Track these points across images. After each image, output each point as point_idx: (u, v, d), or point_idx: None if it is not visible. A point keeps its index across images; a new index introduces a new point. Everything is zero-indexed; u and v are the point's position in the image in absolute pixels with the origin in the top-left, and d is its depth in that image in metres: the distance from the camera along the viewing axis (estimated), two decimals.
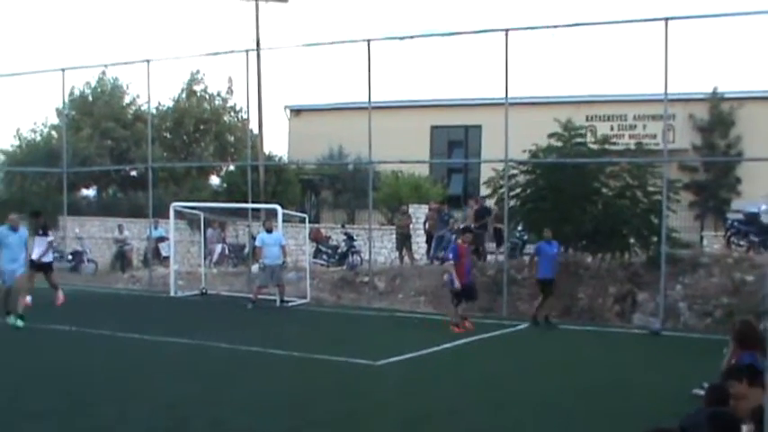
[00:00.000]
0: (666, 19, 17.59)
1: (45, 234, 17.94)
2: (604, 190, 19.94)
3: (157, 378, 11.40)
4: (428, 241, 24.65)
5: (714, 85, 29.91)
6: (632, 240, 19.78)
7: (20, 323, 15.32)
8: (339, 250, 26.47)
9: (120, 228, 30.04)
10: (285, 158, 35.32)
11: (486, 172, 22.71)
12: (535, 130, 20.43)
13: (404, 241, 24.62)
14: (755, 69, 51.22)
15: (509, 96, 19.52)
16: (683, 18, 18.32)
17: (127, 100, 39.76)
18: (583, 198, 19.70)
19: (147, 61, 24.58)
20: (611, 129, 28.85)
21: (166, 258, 25.79)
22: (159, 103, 38.77)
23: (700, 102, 29.20)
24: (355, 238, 26.42)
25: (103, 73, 38.70)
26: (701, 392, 8.46)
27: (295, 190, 31.71)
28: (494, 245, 23.23)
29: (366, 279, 21.90)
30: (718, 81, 42.87)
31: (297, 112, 37.00)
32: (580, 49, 55.87)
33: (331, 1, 77.13)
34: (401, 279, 21.82)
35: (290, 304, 20.16)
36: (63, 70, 26.31)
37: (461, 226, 22.34)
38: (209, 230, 27.10)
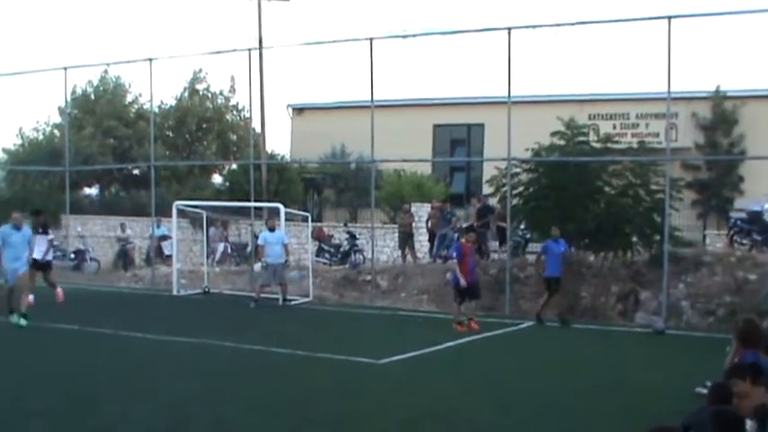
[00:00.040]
0: (669, 17, 17.59)
1: (45, 232, 17.96)
2: (607, 188, 19.92)
3: (160, 377, 11.41)
4: (431, 240, 24.63)
5: (717, 83, 29.89)
6: (635, 239, 19.77)
7: (23, 322, 15.33)
8: (341, 249, 26.46)
9: (123, 226, 30.03)
10: (288, 157, 35.29)
11: (489, 170, 22.70)
12: (538, 129, 20.41)
13: (406, 240, 24.61)
14: (758, 68, 51.17)
15: (512, 95, 19.52)
16: (685, 16, 18.34)
17: (129, 98, 39.73)
18: (585, 196, 19.68)
19: (150, 60, 24.61)
20: (614, 127, 28.79)
21: (169, 257, 25.79)
22: (162, 102, 38.84)
23: (702, 100, 29.16)
24: (358, 236, 26.40)
25: (106, 71, 38.69)
26: (704, 391, 8.45)
27: (297, 189, 31.70)
28: (497, 243, 23.22)
29: (369, 278, 21.90)
30: (720, 79, 42.77)
31: (299, 110, 36.98)
32: (583, 48, 55.87)
33: None
34: (404, 278, 21.82)
35: (292, 303, 20.17)
36: (65, 69, 26.36)
37: (464, 225, 22.37)
38: (212, 229, 27.10)
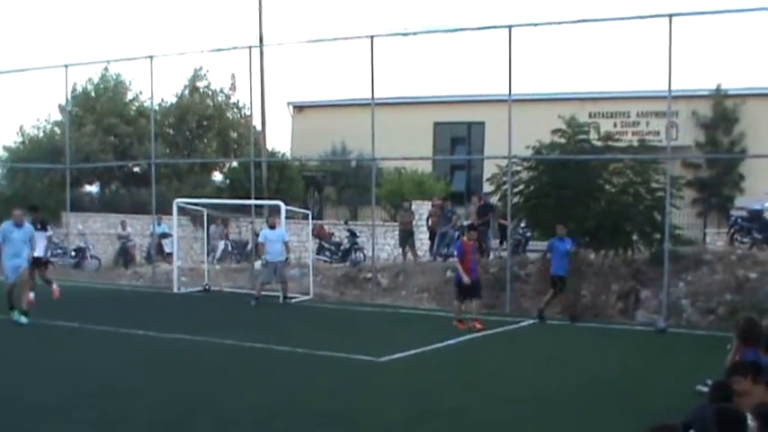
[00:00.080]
0: (670, 15, 17.57)
1: (44, 229, 17.97)
2: (607, 187, 19.90)
3: (160, 374, 11.43)
4: (431, 238, 24.63)
5: (717, 81, 29.89)
6: (635, 237, 19.75)
7: (23, 319, 15.35)
8: (342, 247, 26.47)
9: (123, 224, 30.06)
10: (288, 155, 35.29)
11: (490, 168, 22.70)
12: (538, 127, 20.41)
13: (407, 238, 24.61)
14: (759, 66, 51.14)
15: (512, 93, 19.51)
16: (686, 15, 18.33)
17: (130, 96, 39.75)
18: (586, 195, 19.66)
19: (150, 57, 24.60)
20: (615, 125, 28.77)
21: (169, 255, 25.80)
22: (162, 100, 38.87)
23: (703, 98, 29.15)
24: (358, 234, 26.42)
25: (106, 69, 38.68)
26: (705, 389, 8.46)
27: (298, 186, 31.71)
28: (497, 241, 23.22)
29: (369, 275, 21.91)
30: (721, 78, 42.73)
31: (300, 108, 36.98)
32: (584, 46, 55.78)
33: None
34: (404, 275, 21.83)
35: (293, 301, 20.18)
36: (66, 66, 26.35)
37: (465, 223, 22.37)
38: (212, 227, 27.11)
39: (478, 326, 15.96)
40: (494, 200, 22.55)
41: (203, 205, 24.63)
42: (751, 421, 5.15)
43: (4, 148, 38.85)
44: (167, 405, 9.39)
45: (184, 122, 38.42)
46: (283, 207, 21.44)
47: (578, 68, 49.05)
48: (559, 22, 19.92)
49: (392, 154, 24.04)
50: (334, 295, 21.45)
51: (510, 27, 19.31)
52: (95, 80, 38.84)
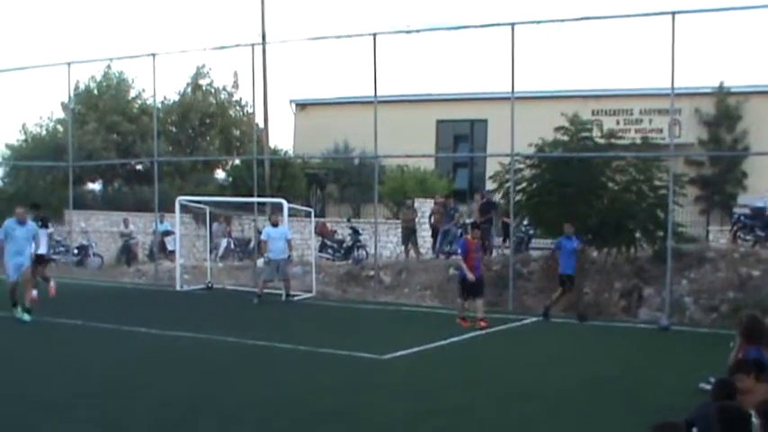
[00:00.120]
0: (673, 13, 17.53)
1: (45, 226, 17.98)
2: (610, 184, 19.89)
3: (163, 372, 11.44)
4: (433, 235, 24.65)
5: (720, 79, 29.83)
6: (638, 235, 19.73)
7: (26, 317, 15.37)
8: (344, 244, 26.47)
9: (126, 222, 30.07)
10: (291, 153, 35.29)
11: (492, 166, 22.67)
12: (541, 125, 20.39)
13: (409, 235, 24.61)
14: (762, 63, 51.03)
15: (515, 90, 19.49)
16: (689, 12, 18.28)
17: (132, 94, 39.74)
18: (589, 192, 19.65)
19: (153, 55, 24.57)
20: (618, 123, 28.75)
21: (172, 252, 25.81)
22: (165, 98, 38.82)
23: (706, 96, 29.10)
24: (361, 232, 26.41)
25: (109, 67, 38.67)
26: (708, 387, 8.46)
27: (300, 184, 31.69)
28: (500, 239, 23.22)
29: (372, 273, 21.91)
30: (724, 75, 42.71)
31: (302, 106, 36.97)
32: (586, 44, 55.74)
33: None
34: (407, 273, 21.83)
35: (295, 298, 20.18)
36: (68, 64, 26.32)
37: (467, 221, 22.36)
38: (215, 224, 27.12)
39: (483, 324, 15.94)
40: (496, 197, 22.55)
41: (206, 203, 24.62)
42: (754, 419, 5.15)
43: (7, 146, 38.86)
44: (170, 403, 9.40)
45: (187, 120, 38.40)
46: (286, 205, 21.42)
47: (581, 66, 49.07)
48: (562, 20, 19.88)
49: (395, 151, 24.04)
50: (336, 293, 21.45)
51: (513, 25, 19.28)
52: (98, 78, 38.84)
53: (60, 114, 38.05)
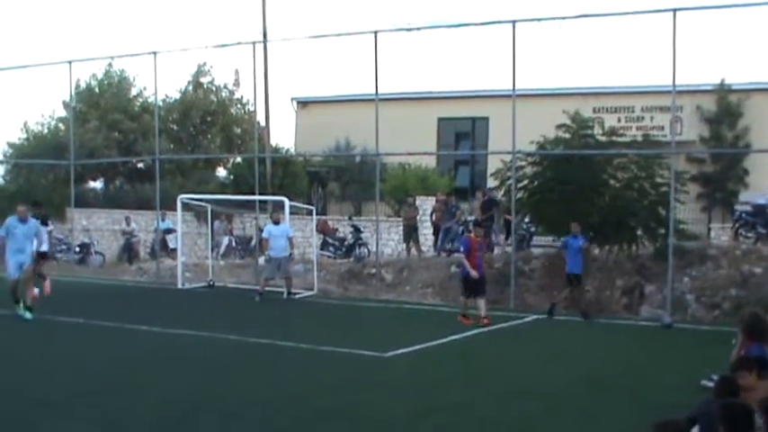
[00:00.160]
0: (674, 10, 17.53)
1: (45, 224, 17.99)
2: (612, 182, 19.88)
3: (165, 370, 11.44)
4: (435, 233, 24.65)
5: (722, 76, 29.82)
6: (640, 232, 19.74)
7: (28, 315, 15.37)
8: (346, 242, 26.48)
9: (128, 220, 30.08)
10: (292, 150, 35.26)
11: (494, 164, 22.68)
12: (542, 122, 20.37)
13: (411, 233, 24.61)
14: (763, 60, 50.99)
15: (516, 88, 19.48)
16: (691, 9, 18.26)
17: (134, 92, 39.78)
18: (590, 190, 19.64)
19: (154, 53, 24.57)
20: (619, 120, 28.73)
21: (174, 250, 25.84)
22: (166, 95, 38.79)
23: (707, 93, 29.05)
24: (362, 230, 26.42)
25: (110, 65, 38.70)
26: (710, 384, 8.46)
27: (302, 182, 31.68)
28: (502, 237, 23.21)
29: (373, 271, 21.91)
30: (725, 72, 42.68)
31: (304, 103, 36.94)
32: (588, 41, 55.77)
33: None
34: (408, 271, 21.83)
35: (297, 296, 20.18)
36: (70, 63, 26.33)
37: (469, 218, 22.35)
38: (217, 222, 27.14)
39: (485, 321, 15.94)
40: (498, 194, 22.54)
41: (207, 201, 24.63)
42: (758, 417, 5.14)
43: (9, 144, 38.88)
44: (171, 401, 9.40)
45: (188, 118, 38.39)
46: (287, 203, 21.44)
47: (582, 63, 49.03)
48: (563, 17, 19.91)
49: (396, 149, 24.04)
50: (338, 291, 21.46)
51: (514, 22, 19.28)
52: (99, 76, 38.87)
53: (62, 112, 38.11)
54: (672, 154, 19.91)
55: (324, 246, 26.33)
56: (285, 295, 19.97)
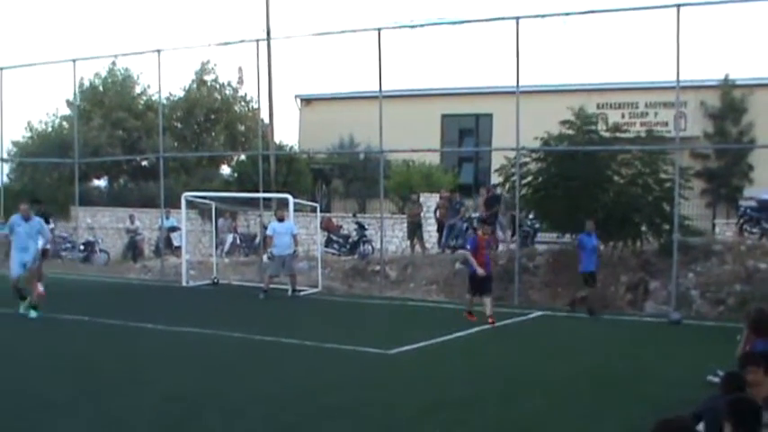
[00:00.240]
0: (678, 6, 17.50)
1: (46, 222, 17.98)
2: (616, 178, 19.87)
3: (169, 367, 11.43)
4: (439, 230, 24.64)
5: (726, 71, 29.77)
6: (644, 228, 19.72)
7: (33, 313, 15.36)
8: (350, 239, 26.48)
9: (132, 218, 30.10)
10: (296, 148, 35.31)
11: (498, 160, 22.66)
12: (546, 119, 20.36)
13: (415, 230, 24.61)
14: (767, 56, 50.93)
15: (520, 84, 19.48)
16: (694, 5, 18.24)
17: (138, 90, 39.82)
18: (594, 186, 19.63)
19: (158, 51, 24.60)
20: (623, 116, 28.70)
21: (178, 248, 25.85)
22: (170, 93, 38.84)
23: (711, 89, 29.04)
24: (366, 227, 26.42)
25: (114, 63, 38.74)
26: (716, 380, 8.45)
27: (306, 179, 31.71)
28: (505, 233, 23.19)
29: (377, 268, 21.91)
30: (729, 68, 42.64)
31: (307, 101, 36.96)
32: (591, 37, 55.74)
33: None
34: (413, 268, 21.82)
35: (301, 293, 20.19)
36: (74, 61, 26.38)
37: (474, 215, 22.34)
38: (221, 220, 27.14)
39: (490, 321, 15.89)
40: (502, 191, 22.52)
41: (212, 199, 24.66)
42: (765, 413, 5.12)
43: (13, 142, 38.91)
44: (176, 398, 9.38)
45: (192, 116, 38.43)
46: (291, 200, 21.45)
47: (586, 59, 49.04)
48: (567, 14, 19.85)
49: (400, 146, 24.05)
50: (342, 288, 21.46)
51: (518, 18, 19.27)
52: (103, 74, 38.91)
53: (66, 111, 38.14)
54: (676, 150, 19.89)
55: (328, 243, 26.33)
56: (289, 292, 19.98)
